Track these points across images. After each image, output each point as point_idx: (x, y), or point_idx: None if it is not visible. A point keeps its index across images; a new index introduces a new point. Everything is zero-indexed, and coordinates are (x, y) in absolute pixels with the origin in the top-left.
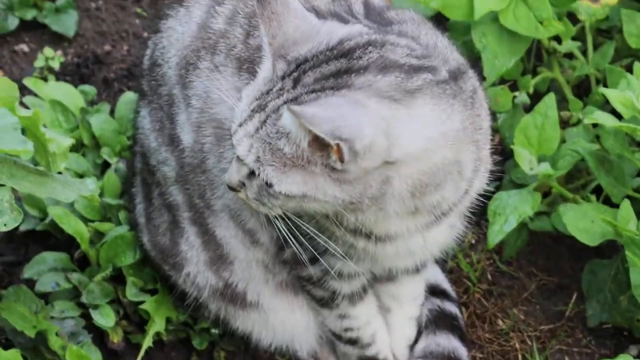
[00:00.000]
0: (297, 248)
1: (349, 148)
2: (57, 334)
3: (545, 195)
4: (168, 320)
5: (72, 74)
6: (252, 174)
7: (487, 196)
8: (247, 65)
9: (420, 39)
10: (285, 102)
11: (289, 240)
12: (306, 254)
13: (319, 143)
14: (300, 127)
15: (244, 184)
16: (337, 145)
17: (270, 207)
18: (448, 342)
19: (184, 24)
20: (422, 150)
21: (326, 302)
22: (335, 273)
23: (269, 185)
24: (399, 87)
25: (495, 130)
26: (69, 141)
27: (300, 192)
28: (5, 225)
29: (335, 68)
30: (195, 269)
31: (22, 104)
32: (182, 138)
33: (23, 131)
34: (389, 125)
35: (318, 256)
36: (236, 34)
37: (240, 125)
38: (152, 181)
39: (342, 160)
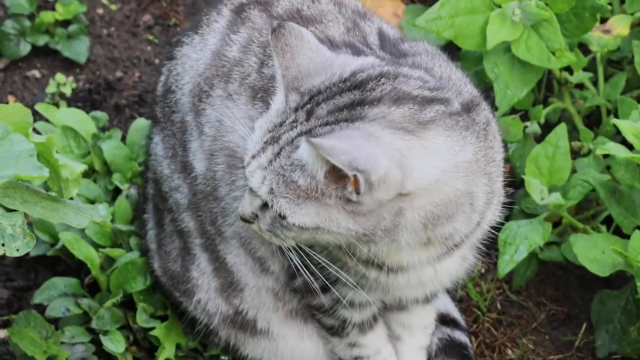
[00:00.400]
0: (308, 277)
1: (365, 179)
2: None
3: (556, 225)
4: (178, 347)
5: (83, 100)
6: (265, 205)
7: (497, 227)
8: (261, 95)
9: (434, 71)
10: (299, 135)
11: (301, 269)
12: (317, 283)
13: (335, 175)
14: (317, 159)
15: (256, 216)
16: (355, 176)
17: (282, 238)
18: None
19: (199, 52)
20: (434, 182)
21: (336, 330)
22: (347, 302)
23: (282, 217)
24: (412, 119)
25: (506, 160)
26: (81, 167)
27: (313, 224)
28: (17, 250)
29: (349, 100)
30: (206, 296)
31: (34, 129)
32: (194, 165)
33: (37, 157)
34: (402, 156)
35: (329, 285)
36: (250, 63)
37: (253, 157)
38: (164, 207)
39: (358, 192)
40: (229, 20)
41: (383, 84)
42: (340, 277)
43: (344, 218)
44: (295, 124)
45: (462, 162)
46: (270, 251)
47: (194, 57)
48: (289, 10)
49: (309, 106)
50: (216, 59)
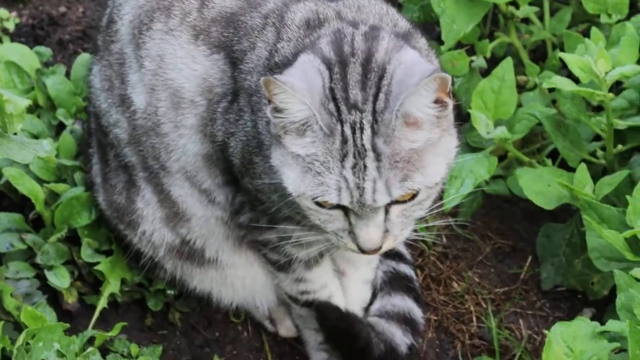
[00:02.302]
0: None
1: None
2: (12, 295)
3: (502, 159)
4: (123, 282)
5: (26, 36)
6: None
7: None
8: (204, 37)
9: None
10: (371, 123)
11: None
12: (263, 220)
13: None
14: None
15: (386, 231)
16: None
17: (414, 219)
18: (403, 303)
19: None
20: None
21: (282, 265)
22: (294, 240)
23: (416, 194)
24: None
25: (452, 94)
26: (25, 102)
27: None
28: None
29: (361, 69)
30: (152, 227)
31: None
32: (133, 99)
33: None
34: None
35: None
36: (191, 0)
37: (359, 187)
38: (106, 142)
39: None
40: None
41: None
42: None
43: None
44: (356, 124)
45: None
46: (216, 184)
47: None
48: None
49: (344, 102)
50: None
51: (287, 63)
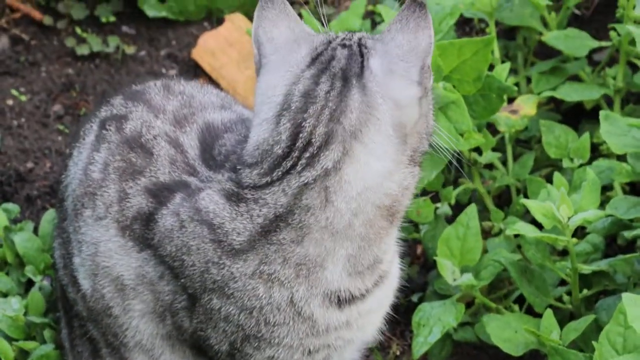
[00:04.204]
0: None
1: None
2: None
3: (469, 305)
4: None
5: None
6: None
7: (411, 308)
8: (129, 233)
9: None
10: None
11: None
12: None
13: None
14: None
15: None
16: None
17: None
18: None
19: (75, 165)
20: None
21: None
22: None
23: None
24: None
25: (417, 242)
26: None
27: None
28: None
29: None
30: None
31: None
32: (80, 282)
33: None
34: None
35: None
36: (110, 192)
37: None
38: (72, 314)
39: None
40: (95, 135)
41: None
42: None
43: None
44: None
45: None
46: (187, 356)
47: (72, 170)
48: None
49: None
50: (84, 176)
51: None
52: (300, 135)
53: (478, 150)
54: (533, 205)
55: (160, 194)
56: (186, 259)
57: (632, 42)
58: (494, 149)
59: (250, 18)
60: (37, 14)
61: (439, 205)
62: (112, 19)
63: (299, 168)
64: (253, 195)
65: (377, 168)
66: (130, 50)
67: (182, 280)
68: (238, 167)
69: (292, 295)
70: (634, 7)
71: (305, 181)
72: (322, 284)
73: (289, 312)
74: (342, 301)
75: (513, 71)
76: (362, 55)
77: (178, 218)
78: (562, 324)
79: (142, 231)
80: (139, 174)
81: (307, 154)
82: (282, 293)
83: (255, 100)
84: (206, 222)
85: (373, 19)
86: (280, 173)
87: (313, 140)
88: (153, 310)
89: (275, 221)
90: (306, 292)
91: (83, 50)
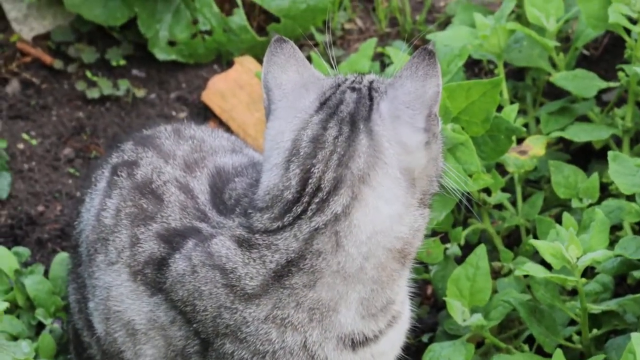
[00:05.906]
0: None
1: None
2: None
3: (479, 345)
4: None
5: (5, 236)
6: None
7: (422, 348)
8: (141, 277)
9: None
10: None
11: None
12: None
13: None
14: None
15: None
16: None
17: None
18: None
19: (87, 212)
20: None
21: None
22: None
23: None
24: None
25: (427, 282)
26: (3, 305)
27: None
28: None
29: None
30: None
31: None
32: (95, 326)
33: None
34: None
35: None
36: (122, 237)
37: None
38: (85, 357)
39: None
40: (107, 181)
41: None
42: None
43: None
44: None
45: None
46: None
47: (85, 217)
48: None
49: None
50: (97, 222)
51: None
52: (310, 180)
53: (487, 190)
54: (542, 245)
55: (173, 239)
56: (198, 303)
57: None
58: (503, 190)
59: (260, 60)
60: (47, 58)
61: (448, 245)
62: (123, 62)
63: (309, 213)
64: (265, 240)
65: (386, 211)
66: (140, 93)
67: (195, 325)
68: (249, 211)
69: (305, 339)
70: None
71: (316, 226)
72: (336, 328)
73: (302, 357)
74: (355, 344)
75: (522, 112)
76: (371, 99)
77: (190, 263)
78: None
79: (153, 276)
80: (150, 220)
81: (317, 199)
82: (295, 337)
83: (264, 146)
84: (218, 266)
85: (382, 61)
86: (291, 218)
87: (322, 185)
88: (165, 355)
89: (288, 266)
90: (320, 336)
91: (93, 93)
